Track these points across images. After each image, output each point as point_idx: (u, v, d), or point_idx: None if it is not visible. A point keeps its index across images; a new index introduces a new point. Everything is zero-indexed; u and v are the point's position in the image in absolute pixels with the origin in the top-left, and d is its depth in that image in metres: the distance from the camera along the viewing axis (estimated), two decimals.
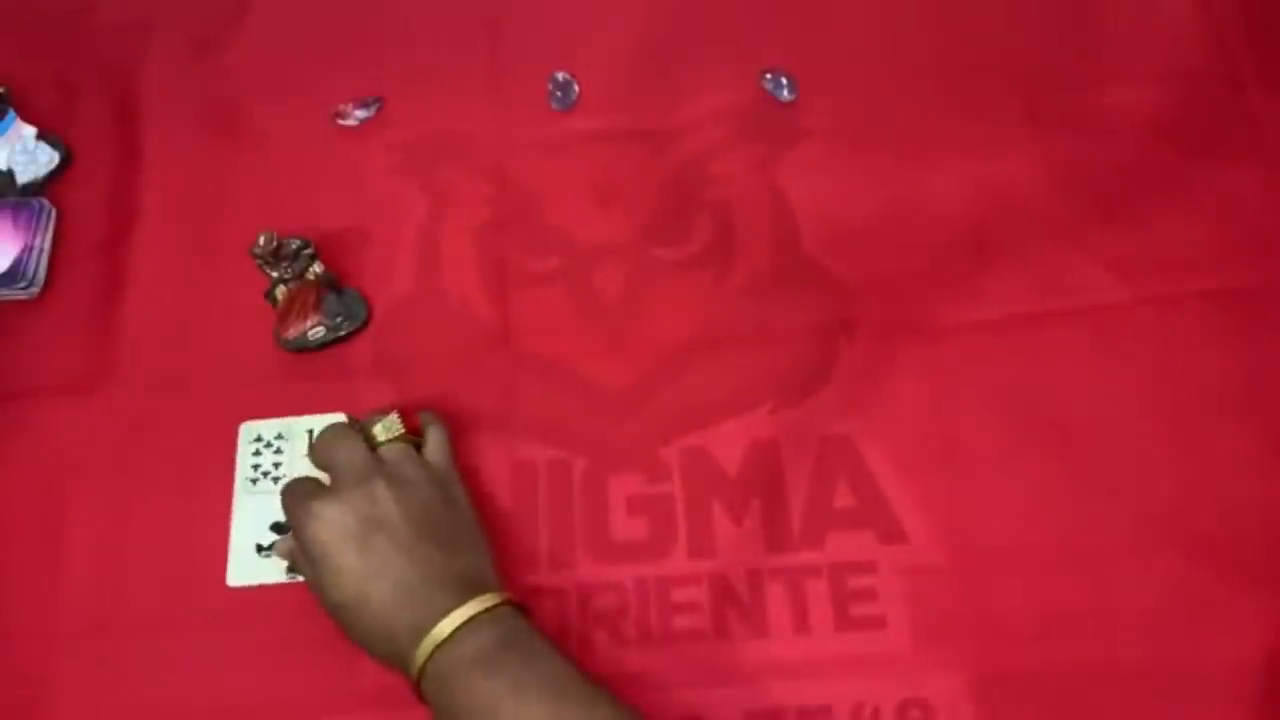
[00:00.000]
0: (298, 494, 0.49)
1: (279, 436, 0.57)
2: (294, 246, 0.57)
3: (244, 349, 0.59)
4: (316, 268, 0.58)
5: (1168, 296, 0.57)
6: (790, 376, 0.57)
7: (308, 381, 0.58)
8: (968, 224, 0.60)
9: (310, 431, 0.56)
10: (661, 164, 0.63)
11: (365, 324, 0.59)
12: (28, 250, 0.61)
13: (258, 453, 0.56)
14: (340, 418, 0.56)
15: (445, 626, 0.44)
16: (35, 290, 0.61)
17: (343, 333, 0.59)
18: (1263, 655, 0.49)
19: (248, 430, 0.57)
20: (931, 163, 0.62)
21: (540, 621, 0.51)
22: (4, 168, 0.64)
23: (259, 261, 0.57)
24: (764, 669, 0.51)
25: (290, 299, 0.58)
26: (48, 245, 0.62)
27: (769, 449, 0.55)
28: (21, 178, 0.64)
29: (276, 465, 0.56)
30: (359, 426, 0.53)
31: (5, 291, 0.61)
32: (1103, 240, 0.59)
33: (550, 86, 0.66)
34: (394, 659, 0.47)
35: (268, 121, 0.66)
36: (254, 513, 0.55)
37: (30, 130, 0.64)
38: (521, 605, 0.48)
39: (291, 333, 0.58)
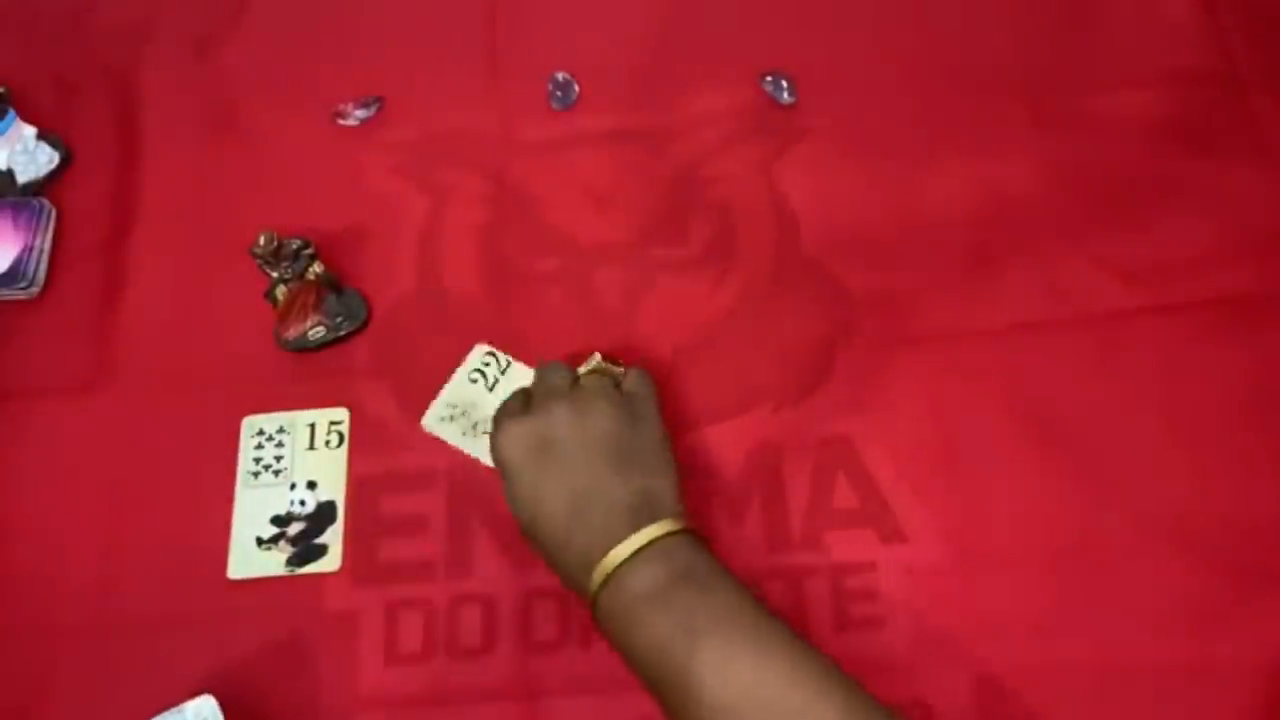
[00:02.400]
0: (500, 410, 0.51)
1: (280, 430, 0.57)
2: (294, 246, 0.57)
3: (244, 349, 0.59)
4: (316, 268, 0.58)
5: (1170, 300, 0.57)
6: (790, 377, 0.57)
7: (308, 381, 0.58)
8: (968, 226, 0.60)
9: (311, 425, 0.57)
10: (661, 164, 0.63)
11: (365, 324, 0.59)
12: (28, 250, 0.61)
13: (259, 446, 0.56)
14: (343, 413, 0.56)
15: (615, 556, 0.44)
16: (35, 290, 0.61)
17: (343, 333, 0.59)
18: (1265, 658, 0.49)
19: (249, 424, 0.57)
20: (932, 165, 0.62)
21: (542, 621, 0.51)
22: (4, 168, 0.64)
23: (259, 261, 0.57)
24: None
25: (290, 299, 0.58)
26: (48, 245, 0.62)
27: (769, 449, 0.55)
28: (21, 178, 0.64)
29: (278, 459, 0.56)
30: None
31: (5, 291, 0.61)
32: (1104, 243, 0.59)
33: (550, 86, 0.66)
34: (571, 582, 0.47)
35: (268, 121, 0.66)
36: (255, 506, 0.55)
37: (30, 130, 0.64)
38: (697, 532, 0.47)
39: (291, 333, 0.58)
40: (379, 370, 0.58)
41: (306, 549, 0.54)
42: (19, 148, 0.64)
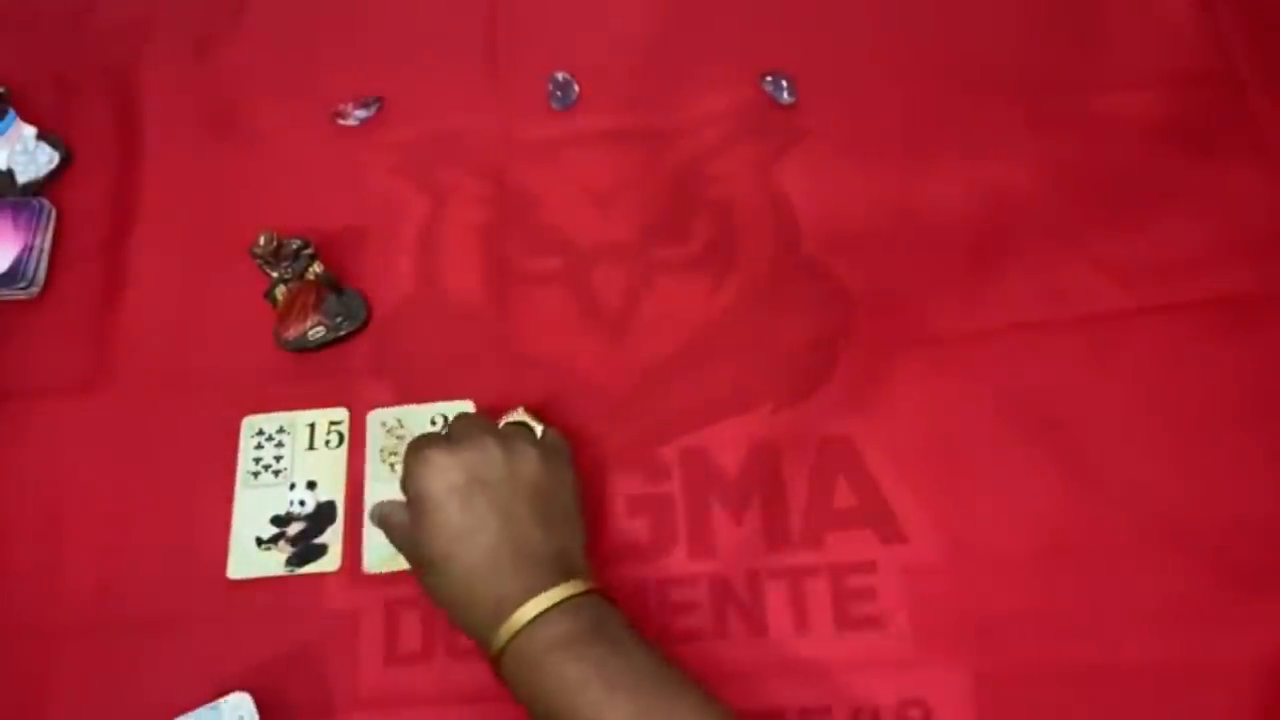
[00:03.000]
0: (418, 442, 0.49)
1: (280, 430, 0.57)
2: (294, 246, 0.57)
3: (244, 349, 0.59)
4: (316, 268, 0.58)
5: (1169, 300, 0.57)
6: (790, 377, 0.57)
7: (308, 381, 0.58)
8: (968, 226, 0.60)
9: (311, 425, 0.57)
10: (661, 164, 0.63)
11: (365, 324, 0.59)
12: (28, 250, 0.61)
13: (259, 446, 0.56)
14: (343, 413, 0.57)
15: (532, 608, 0.44)
16: (35, 290, 0.61)
17: (343, 333, 0.59)
18: (1264, 658, 0.49)
19: (250, 424, 0.57)
20: (931, 166, 0.62)
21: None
22: (4, 168, 0.64)
23: (259, 261, 0.57)
24: (764, 669, 0.51)
25: (290, 299, 0.58)
26: (48, 245, 0.62)
27: (769, 449, 0.55)
28: (21, 178, 0.64)
29: (278, 459, 0.56)
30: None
31: (5, 291, 0.61)
32: (1103, 243, 0.59)
33: (550, 86, 0.66)
34: (473, 628, 0.46)
35: (268, 121, 0.66)
36: (255, 506, 0.55)
37: (30, 130, 0.64)
38: (609, 595, 0.47)
39: (291, 333, 0.58)
40: (379, 370, 0.58)
41: (306, 549, 0.54)
42: (19, 148, 0.64)
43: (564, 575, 0.45)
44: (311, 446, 0.56)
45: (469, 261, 0.61)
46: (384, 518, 0.51)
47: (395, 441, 0.56)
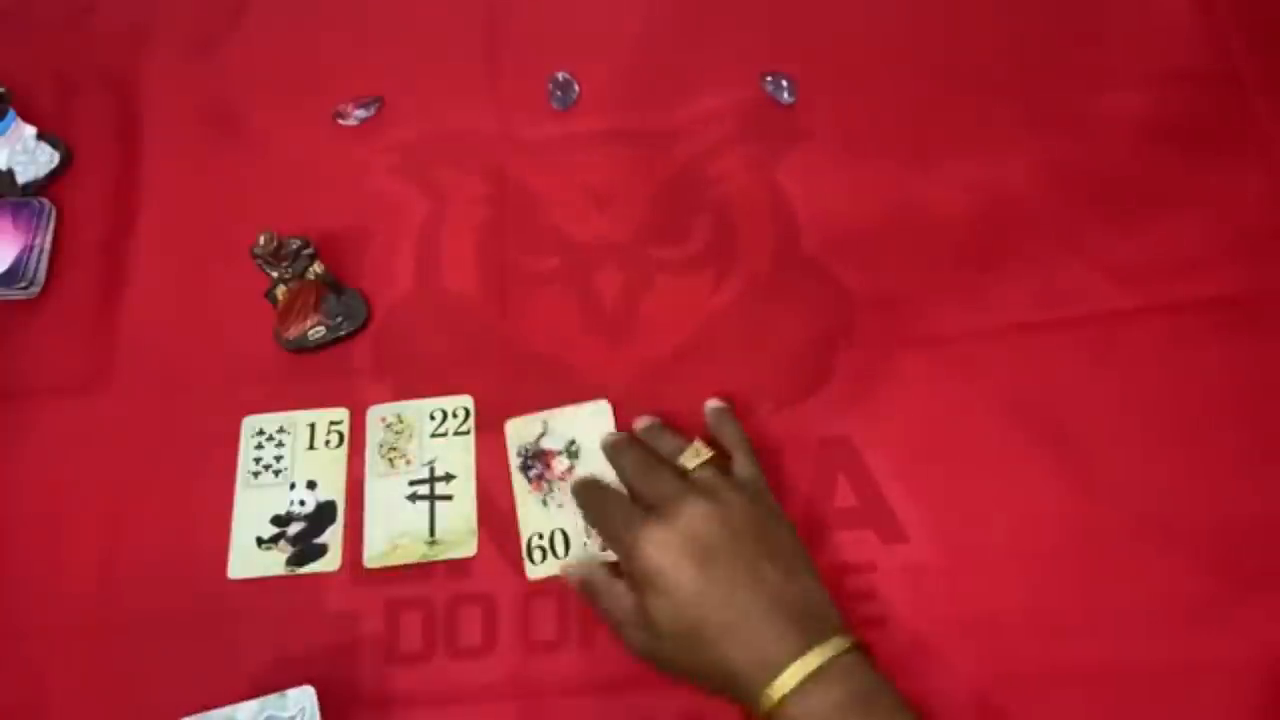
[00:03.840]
0: (618, 514, 0.49)
1: (281, 430, 0.57)
2: (294, 246, 0.57)
3: (244, 349, 0.59)
4: (316, 268, 0.58)
5: (1168, 300, 0.57)
6: (790, 377, 0.57)
7: (308, 381, 0.58)
8: (967, 226, 0.60)
9: (311, 425, 0.57)
10: (661, 164, 0.63)
11: (365, 324, 0.59)
12: (28, 250, 0.61)
13: (259, 446, 0.56)
14: (343, 413, 0.56)
15: (791, 676, 0.43)
16: (35, 290, 0.61)
17: (343, 333, 0.59)
18: (1263, 658, 0.49)
19: (249, 424, 0.57)
20: (931, 166, 0.62)
21: (542, 621, 0.51)
22: (4, 168, 0.64)
23: (259, 261, 0.57)
24: None
25: (290, 299, 0.58)
26: (48, 245, 0.62)
27: (769, 449, 0.55)
28: (21, 178, 0.64)
29: (278, 458, 0.56)
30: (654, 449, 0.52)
31: (5, 291, 0.61)
32: (1103, 244, 0.59)
33: (550, 86, 0.66)
34: (729, 692, 0.45)
35: (268, 121, 0.66)
36: (255, 506, 0.55)
37: (30, 130, 0.64)
38: (866, 646, 0.45)
39: (291, 333, 0.58)
40: (379, 370, 0.58)
41: (306, 549, 0.54)
42: (19, 148, 0.64)
43: (817, 629, 0.44)
44: (312, 446, 0.56)
45: (469, 261, 0.61)
46: (592, 585, 0.50)
47: (394, 437, 0.56)
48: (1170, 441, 0.54)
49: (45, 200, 0.63)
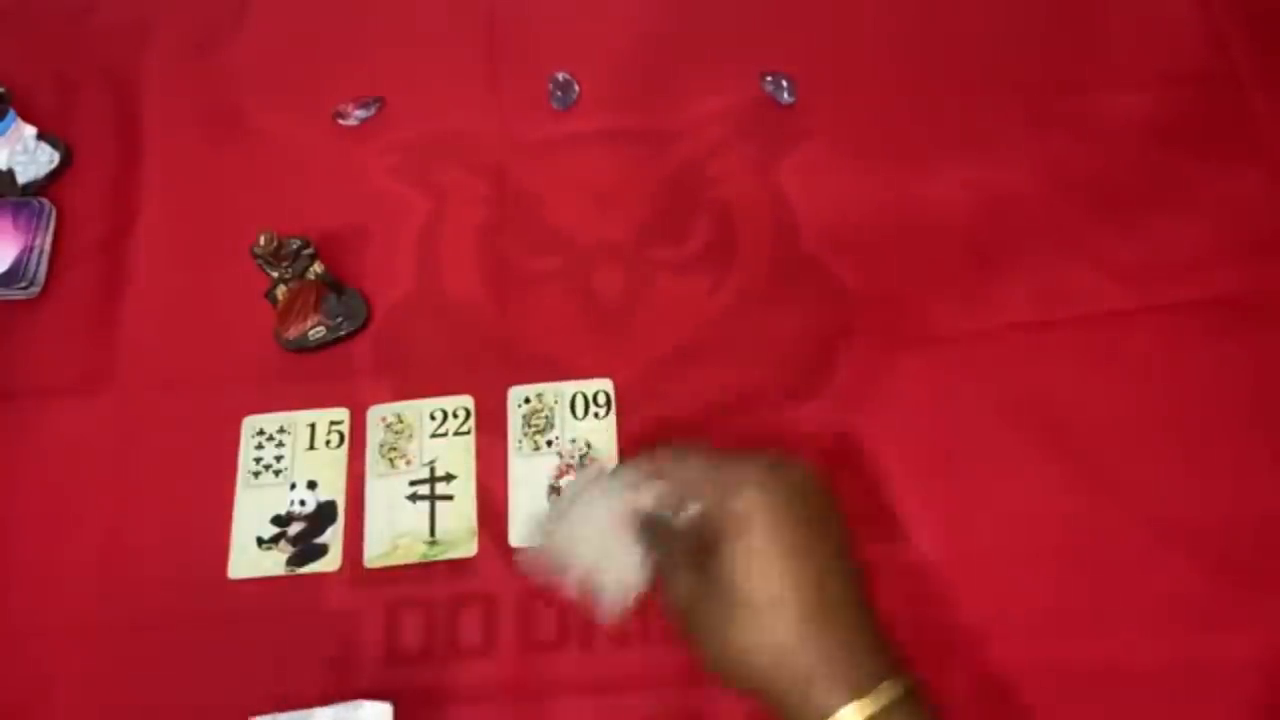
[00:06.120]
0: (707, 457, 0.44)
1: (281, 430, 0.57)
2: (294, 246, 0.57)
3: (244, 349, 0.59)
4: (316, 268, 0.58)
5: (1168, 300, 0.57)
6: (790, 377, 0.57)
7: (308, 381, 0.58)
8: (968, 226, 0.60)
9: (312, 425, 0.57)
10: (661, 164, 0.63)
11: (365, 324, 0.59)
12: (28, 250, 0.61)
13: (260, 446, 0.56)
14: (343, 413, 0.56)
15: (853, 714, 0.39)
16: (35, 290, 0.61)
17: (343, 333, 0.59)
18: (1266, 657, 0.49)
19: (250, 424, 0.57)
20: (931, 165, 0.62)
21: (542, 621, 0.51)
22: (4, 168, 0.64)
23: (259, 261, 0.57)
24: None
25: (290, 299, 0.58)
26: (48, 245, 0.62)
27: (769, 448, 0.55)
28: (21, 178, 0.64)
29: (278, 458, 0.56)
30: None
31: (5, 291, 0.61)
32: (1103, 243, 0.59)
33: (550, 86, 0.66)
34: (759, 691, 0.41)
35: (268, 121, 0.66)
36: (255, 506, 0.55)
37: (30, 130, 0.64)
38: (919, 685, 0.41)
39: (291, 333, 0.58)
40: (379, 370, 0.58)
41: (307, 549, 0.54)
42: (19, 148, 0.64)
43: (875, 667, 0.40)
44: (312, 446, 0.56)
45: (469, 261, 0.61)
46: (660, 520, 0.44)
47: (394, 437, 0.56)
48: (1171, 442, 0.54)
49: (45, 200, 0.63)
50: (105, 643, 0.53)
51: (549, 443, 0.56)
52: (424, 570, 0.54)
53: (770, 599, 0.40)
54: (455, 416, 0.57)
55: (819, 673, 0.40)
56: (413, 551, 0.54)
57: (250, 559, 0.54)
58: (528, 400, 0.57)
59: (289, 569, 0.54)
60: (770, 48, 0.66)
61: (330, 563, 0.54)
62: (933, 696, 0.42)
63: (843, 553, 0.43)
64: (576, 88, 0.66)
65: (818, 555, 0.41)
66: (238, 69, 0.68)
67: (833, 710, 0.39)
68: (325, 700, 0.50)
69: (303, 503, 0.55)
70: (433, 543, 0.54)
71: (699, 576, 0.42)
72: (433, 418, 0.57)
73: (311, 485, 0.56)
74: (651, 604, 0.52)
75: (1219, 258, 0.58)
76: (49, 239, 0.62)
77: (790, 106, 0.65)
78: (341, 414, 0.57)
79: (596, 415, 0.56)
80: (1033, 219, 0.60)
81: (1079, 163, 0.62)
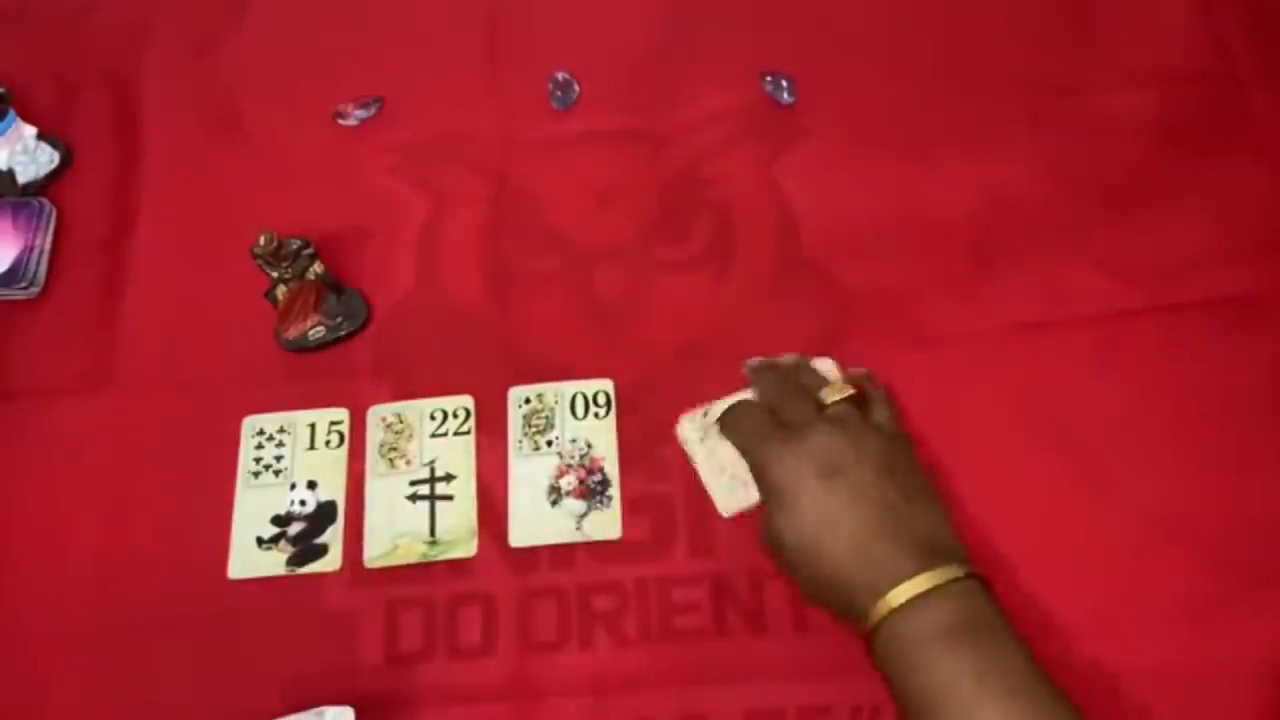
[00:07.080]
0: (752, 428, 0.50)
1: (281, 430, 0.57)
2: (294, 246, 0.57)
3: (244, 349, 0.59)
4: (316, 268, 0.58)
5: (1169, 300, 0.57)
6: None
7: (308, 381, 0.58)
8: (968, 226, 0.60)
9: (312, 425, 0.57)
10: (661, 164, 0.63)
11: (365, 324, 0.59)
12: (28, 250, 0.61)
13: (260, 446, 0.56)
14: (343, 413, 0.56)
15: (907, 589, 0.43)
16: (35, 290, 0.61)
17: (343, 333, 0.59)
18: (1265, 658, 0.49)
19: (250, 424, 0.57)
20: (932, 165, 0.62)
21: (542, 621, 0.51)
22: (4, 168, 0.64)
23: (259, 261, 0.57)
24: (764, 669, 0.51)
25: (290, 299, 0.58)
26: (48, 245, 0.62)
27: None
28: (21, 178, 0.64)
29: (278, 459, 0.56)
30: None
31: (5, 291, 0.61)
32: (1104, 243, 0.59)
33: (550, 86, 0.66)
34: (842, 608, 0.46)
35: (268, 121, 0.66)
36: (255, 506, 0.55)
37: (30, 130, 0.64)
38: (985, 579, 0.46)
39: (291, 333, 0.58)
40: (379, 370, 0.58)
41: (307, 549, 0.54)
42: (19, 148, 0.64)
43: (938, 556, 0.45)
44: (312, 446, 0.56)
45: (469, 261, 0.61)
46: (737, 424, 0.51)
47: (394, 437, 0.56)
48: (1173, 441, 0.54)
49: (45, 200, 0.63)
50: (105, 643, 0.53)
51: (549, 443, 0.56)
52: (424, 570, 0.54)
53: (808, 544, 0.46)
54: (455, 416, 0.57)
55: (870, 577, 0.44)
56: (412, 551, 0.54)
57: (250, 559, 0.54)
58: (528, 400, 0.57)
59: (289, 569, 0.54)
60: (770, 48, 0.66)
61: (330, 563, 0.54)
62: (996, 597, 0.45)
63: (889, 479, 0.47)
64: (576, 88, 0.66)
65: (844, 496, 0.46)
66: (237, 69, 0.68)
67: (885, 594, 0.43)
68: (325, 700, 0.50)
69: (303, 503, 0.55)
70: (433, 543, 0.54)
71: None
72: (433, 418, 0.57)
73: (311, 485, 0.56)
74: (643, 606, 0.52)
75: (1220, 257, 0.58)
76: (49, 239, 0.62)
77: (790, 106, 0.65)
78: (341, 414, 0.57)
79: (597, 415, 0.56)
80: (1033, 219, 0.60)
81: (1079, 162, 0.62)
